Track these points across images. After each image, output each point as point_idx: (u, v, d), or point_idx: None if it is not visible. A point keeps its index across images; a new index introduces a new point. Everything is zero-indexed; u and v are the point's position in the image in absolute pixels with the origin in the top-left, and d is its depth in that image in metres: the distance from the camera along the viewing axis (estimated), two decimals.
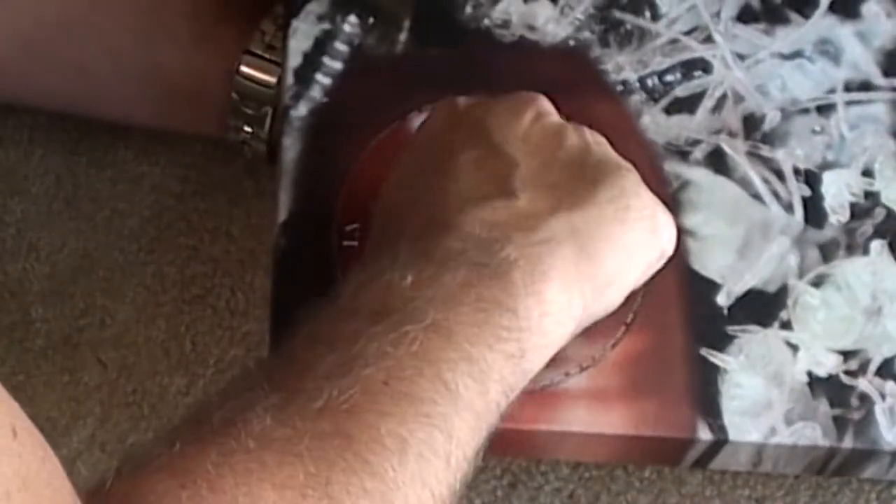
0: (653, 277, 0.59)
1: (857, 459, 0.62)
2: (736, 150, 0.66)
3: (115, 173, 0.74)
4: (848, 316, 0.63)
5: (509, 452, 0.65)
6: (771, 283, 0.63)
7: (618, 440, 0.61)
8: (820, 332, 0.63)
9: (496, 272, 0.53)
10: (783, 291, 0.63)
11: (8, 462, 0.38)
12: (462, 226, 0.54)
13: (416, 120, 0.65)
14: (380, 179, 0.61)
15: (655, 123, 0.66)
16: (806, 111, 0.67)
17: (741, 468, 0.63)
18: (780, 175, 0.65)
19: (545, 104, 0.59)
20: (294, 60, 0.66)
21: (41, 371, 0.70)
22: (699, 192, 0.65)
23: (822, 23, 0.69)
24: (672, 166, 0.65)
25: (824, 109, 0.67)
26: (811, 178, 0.66)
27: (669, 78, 0.67)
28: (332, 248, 0.63)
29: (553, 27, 0.68)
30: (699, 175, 0.65)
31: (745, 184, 0.65)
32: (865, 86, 0.67)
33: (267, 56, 0.69)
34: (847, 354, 0.62)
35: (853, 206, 0.65)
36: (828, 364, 0.62)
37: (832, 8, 0.69)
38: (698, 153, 0.66)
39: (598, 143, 0.59)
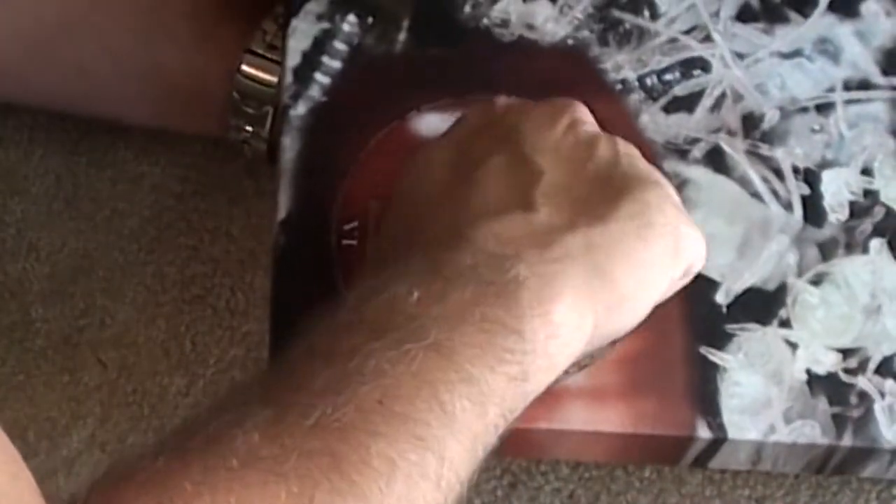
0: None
1: (857, 458, 0.62)
2: (735, 149, 0.66)
3: (115, 173, 0.74)
4: (847, 314, 0.63)
5: (509, 452, 0.65)
6: (770, 281, 0.63)
7: (617, 438, 0.61)
8: (819, 331, 0.63)
9: (504, 291, 0.51)
10: (782, 290, 0.63)
11: None
12: (475, 240, 0.53)
13: (416, 119, 0.65)
14: (379, 178, 0.61)
15: (654, 122, 0.66)
16: (805, 110, 0.67)
17: (740, 467, 0.63)
18: (779, 174, 0.65)
19: (582, 112, 0.58)
20: (293, 60, 0.66)
21: (41, 371, 0.70)
22: (698, 190, 0.65)
23: (821, 22, 0.69)
24: (671, 165, 0.65)
25: (823, 108, 0.67)
26: (810, 177, 0.66)
27: (668, 77, 0.67)
28: (331, 248, 0.63)
29: (552, 26, 0.68)
30: (698, 174, 0.65)
31: (744, 182, 0.65)
32: (864, 85, 0.67)
33: (268, 55, 0.69)
34: (846, 353, 0.62)
35: (852, 204, 0.65)
36: (827, 362, 0.62)
37: (831, 7, 0.69)
38: (697, 152, 0.66)
39: (629, 154, 0.57)
